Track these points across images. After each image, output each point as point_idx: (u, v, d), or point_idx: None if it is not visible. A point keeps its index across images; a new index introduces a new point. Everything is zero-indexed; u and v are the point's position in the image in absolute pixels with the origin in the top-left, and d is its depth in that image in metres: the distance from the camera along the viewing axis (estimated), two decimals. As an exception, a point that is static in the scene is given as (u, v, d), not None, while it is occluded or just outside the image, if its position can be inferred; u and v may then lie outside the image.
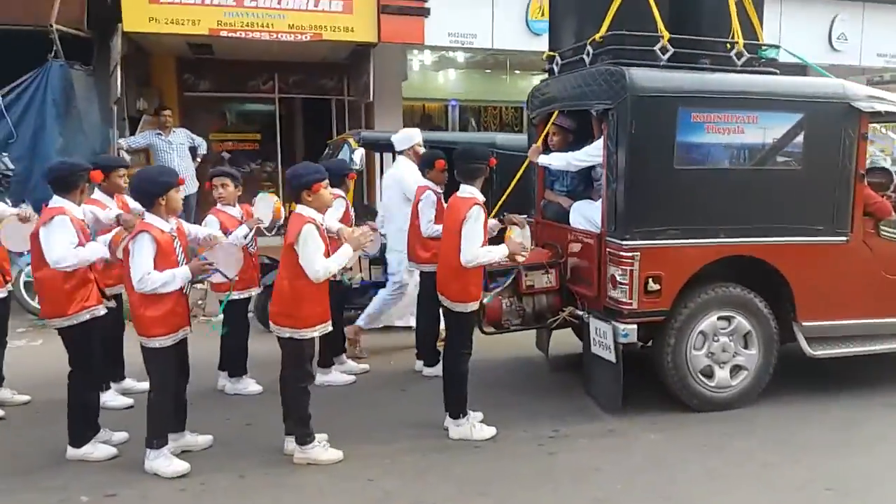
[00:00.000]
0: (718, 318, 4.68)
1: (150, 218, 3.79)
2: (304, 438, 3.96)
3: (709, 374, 4.72)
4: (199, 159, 8.70)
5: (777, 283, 4.79)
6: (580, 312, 4.96)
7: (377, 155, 8.21)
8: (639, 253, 4.45)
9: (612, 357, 4.56)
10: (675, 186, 4.50)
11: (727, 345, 4.71)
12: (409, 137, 5.82)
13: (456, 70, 14.83)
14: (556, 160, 5.05)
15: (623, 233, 4.46)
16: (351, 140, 6.60)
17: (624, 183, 4.45)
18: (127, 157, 8.25)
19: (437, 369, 5.43)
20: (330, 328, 4.05)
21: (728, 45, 4.77)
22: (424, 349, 5.58)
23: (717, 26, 4.81)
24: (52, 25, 7.09)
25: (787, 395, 4.96)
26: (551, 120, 5.24)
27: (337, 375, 5.32)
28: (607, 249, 4.60)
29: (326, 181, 3.98)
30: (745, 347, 4.76)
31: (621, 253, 4.46)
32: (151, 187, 3.82)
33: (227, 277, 4.09)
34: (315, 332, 3.95)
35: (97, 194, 4.68)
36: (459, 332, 4.33)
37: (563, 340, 5.67)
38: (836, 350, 4.91)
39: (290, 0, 8.53)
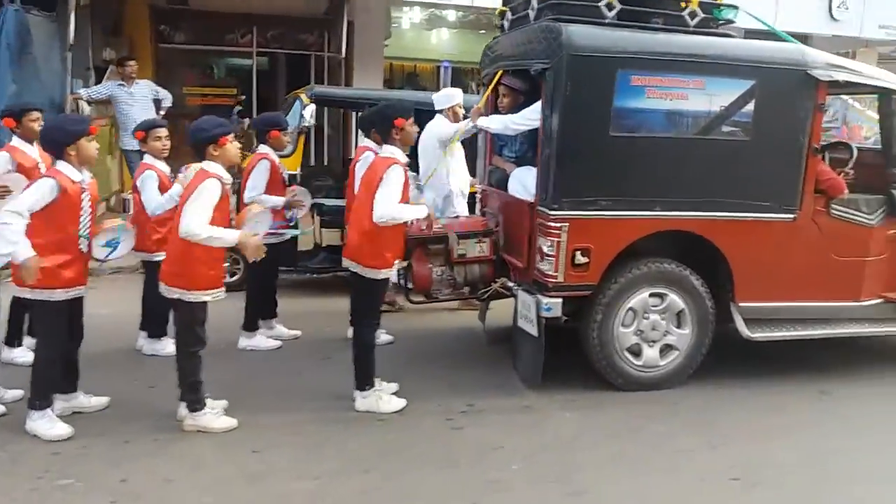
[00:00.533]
0: (650, 295, 4.46)
1: (61, 166, 3.62)
2: (194, 405, 3.82)
3: (637, 352, 4.52)
4: (162, 112, 8.44)
5: (716, 261, 4.55)
6: (511, 284, 4.77)
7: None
8: (567, 224, 4.22)
9: (534, 331, 4.37)
10: (609, 154, 4.24)
11: (658, 323, 4.49)
12: (450, 97, 5.68)
13: (449, 30, 14.45)
14: (496, 123, 4.79)
15: (552, 202, 4.23)
16: (303, 96, 6.34)
17: (555, 149, 4.20)
18: (87, 108, 8.07)
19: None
20: (222, 295, 3.86)
21: (682, 4, 4.44)
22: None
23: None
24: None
25: (721, 377, 4.74)
26: (494, 80, 4.96)
27: (261, 340, 5.16)
28: (537, 219, 4.37)
29: (232, 135, 3.79)
30: (678, 326, 4.54)
31: (549, 223, 4.24)
32: (60, 136, 3.64)
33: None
34: (206, 297, 3.78)
35: (16, 141, 4.50)
36: (370, 301, 4.15)
37: (509, 312, 5.47)
38: (775, 333, 4.68)
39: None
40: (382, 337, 5.29)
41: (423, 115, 6.46)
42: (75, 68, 8.49)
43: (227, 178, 3.76)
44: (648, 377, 4.54)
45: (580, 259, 4.27)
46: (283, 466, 3.49)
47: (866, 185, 5.10)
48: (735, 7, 4.52)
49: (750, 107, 4.33)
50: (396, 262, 4.16)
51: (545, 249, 4.28)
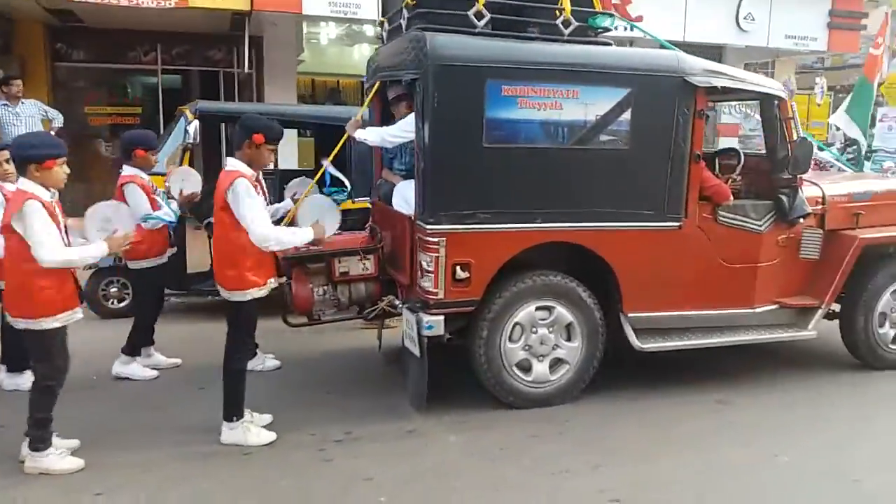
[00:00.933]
0: (537, 309, 4.31)
1: None
2: (38, 444, 3.50)
3: (526, 367, 4.36)
4: (53, 132, 8.02)
5: (604, 272, 4.45)
6: (398, 302, 4.57)
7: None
8: (444, 238, 4.05)
9: (417, 350, 4.17)
10: (484, 166, 4.10)
11: (546, 337, 4.35)
12: None
13: (370, 45, 14.26)
14: (372, 135, 4.61)
15: (428, 216, 4.06)
16: (187, 112, 6.05)
17: (428, 161, 4.04)
18: (-32, 130, 7.61)
19: (254, 363, 4.97)
20: (79, 315, 3.57)
21: (557, 13, 4.35)
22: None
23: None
24: None
25: (617, 390, 4.63)
26: (373, 92, 4.79)
27: (136, 368, 4.83)
28: (417, 234, 4.20)
29: (63, 158, 3.49)
30: (567, 340, 4.41)
31: (427, 238, 4.06)
32: None
33: None
34: (56, 322, 3.47)
35: None
36: (237, 325, 3.88)
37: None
38: (667, 343, 4.58)
39: (152, -37, 7.89)
40: (268, 363, 5.06)
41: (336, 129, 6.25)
42: (-43, 88, 8.02)
43: (46, 195, 3.44)
44: (540, 393, 4.39)
45: (461, 274, 4.10)
46: (125, 511, 3.20)
47: (757, 190, 5.11)
48: (612, 15, 4.46)
49: (627, 115, 4.25)
50: (271, 281, 3.91)
51: (424, 265, 4.11)
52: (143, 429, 4.04)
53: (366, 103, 4.89)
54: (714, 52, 11.30)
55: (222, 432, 3.86)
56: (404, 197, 4.59)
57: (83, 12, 8.72)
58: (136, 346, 4.89)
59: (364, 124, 4.72)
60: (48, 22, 9.43)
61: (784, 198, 4.86)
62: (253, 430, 3.88)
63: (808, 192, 5.01)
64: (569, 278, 4.36)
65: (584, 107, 4.19)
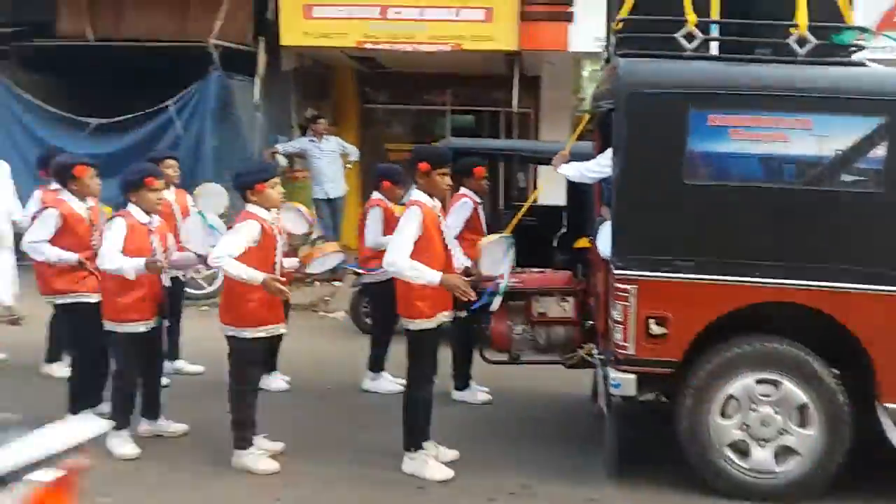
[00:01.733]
0: (758, 382, 3.62)
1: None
2: (239, 442, 3.91)
3: (743, 451, 3.67)
4: (349, 165, 9.18)
5: (850, 345, 3.58)
6: (596, 351, 4.25)
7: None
8: (636, 286, 3.65)
9: (605, 409, 3.82)
10: (685, 206, 3.62)
11: (771, 417, 3.61)
12: None
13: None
14: (572, 170, 4.38)
15: (618, 260, 3.71)
16: (433, 147, 6.42)
17: (619, 198, 3.71)
18: (283, 161, 9.06)
19: (466, 394, 5.09)
20: (282, 330, 4.02)
21: (792, 31, 3.68)
22: (458, 370, 5.17)
23: (782, 8, 3.75)
24: (210, 41, 8.10)
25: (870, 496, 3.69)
26: (580, 125, 4.56)
27: (383, 383, 5.21)
28: (611, 279, 3.86)
29: (273, 180, 3.93)
30: (801, 425, 3.61)
31: (616, 284, 3.71)
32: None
33: None
34: (261, 332, 3.89)
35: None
36: (413, 353, 3.94)
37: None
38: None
39: (432, 11, 8.55)
40: (480, 396, 5.07)
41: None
42: (281, 126, 9.61)
43: (271, 217, 3.88)
44: (761, 484, 3.65)
45: (655, 329, 3.65)
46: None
47: None
48: (866, 29, 3.63)
49: (880, 150, 3.42)
50: (443, 314, 3.91)
51: (615, 315, 3.75)
52: (345, 443, 4.30)
53: (573, 136, 4.69)
54: None
55: (404, 461, 3.93)
56: (605, 237, 4.25)
57: (383, 58, 9.79)
58: (378, 360, 5.25)
59: (570, 159, 4.51)
60: (357, 68, 10.80)
61: None
62: (431, 464, 3.88)
63: None
64: (800, 347, 3.60)
65: (819, 140, 3.49)
